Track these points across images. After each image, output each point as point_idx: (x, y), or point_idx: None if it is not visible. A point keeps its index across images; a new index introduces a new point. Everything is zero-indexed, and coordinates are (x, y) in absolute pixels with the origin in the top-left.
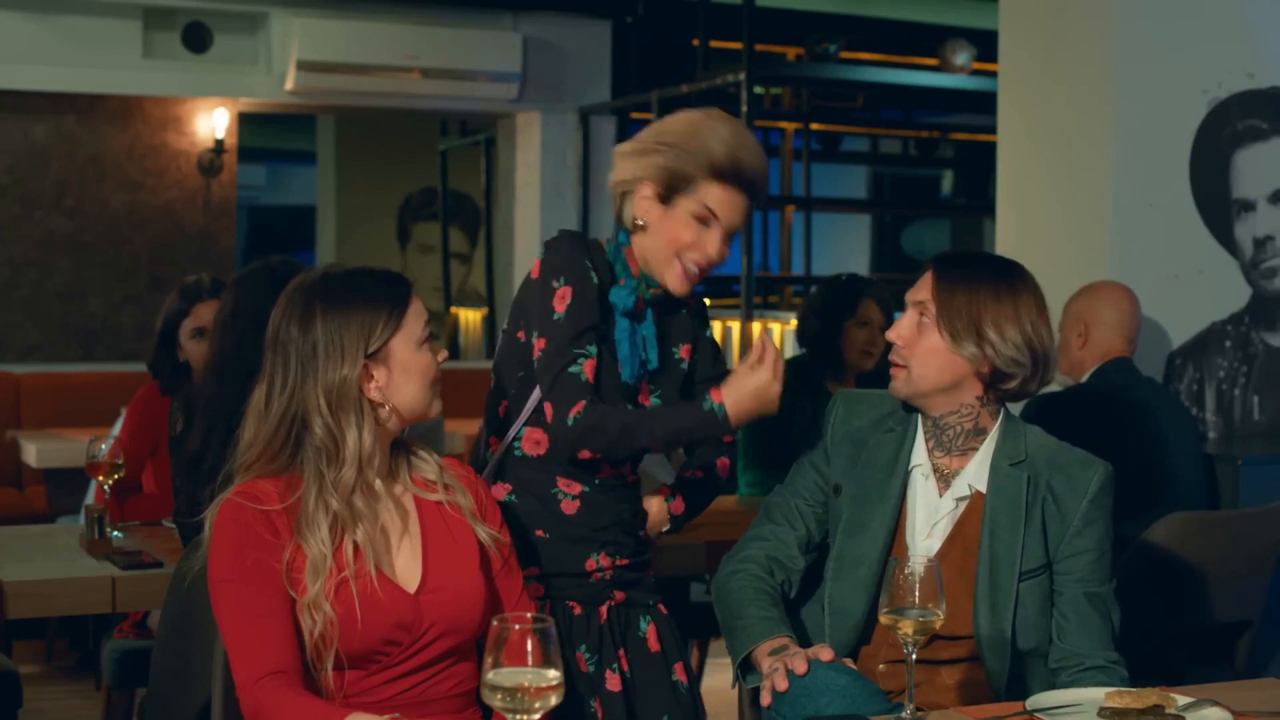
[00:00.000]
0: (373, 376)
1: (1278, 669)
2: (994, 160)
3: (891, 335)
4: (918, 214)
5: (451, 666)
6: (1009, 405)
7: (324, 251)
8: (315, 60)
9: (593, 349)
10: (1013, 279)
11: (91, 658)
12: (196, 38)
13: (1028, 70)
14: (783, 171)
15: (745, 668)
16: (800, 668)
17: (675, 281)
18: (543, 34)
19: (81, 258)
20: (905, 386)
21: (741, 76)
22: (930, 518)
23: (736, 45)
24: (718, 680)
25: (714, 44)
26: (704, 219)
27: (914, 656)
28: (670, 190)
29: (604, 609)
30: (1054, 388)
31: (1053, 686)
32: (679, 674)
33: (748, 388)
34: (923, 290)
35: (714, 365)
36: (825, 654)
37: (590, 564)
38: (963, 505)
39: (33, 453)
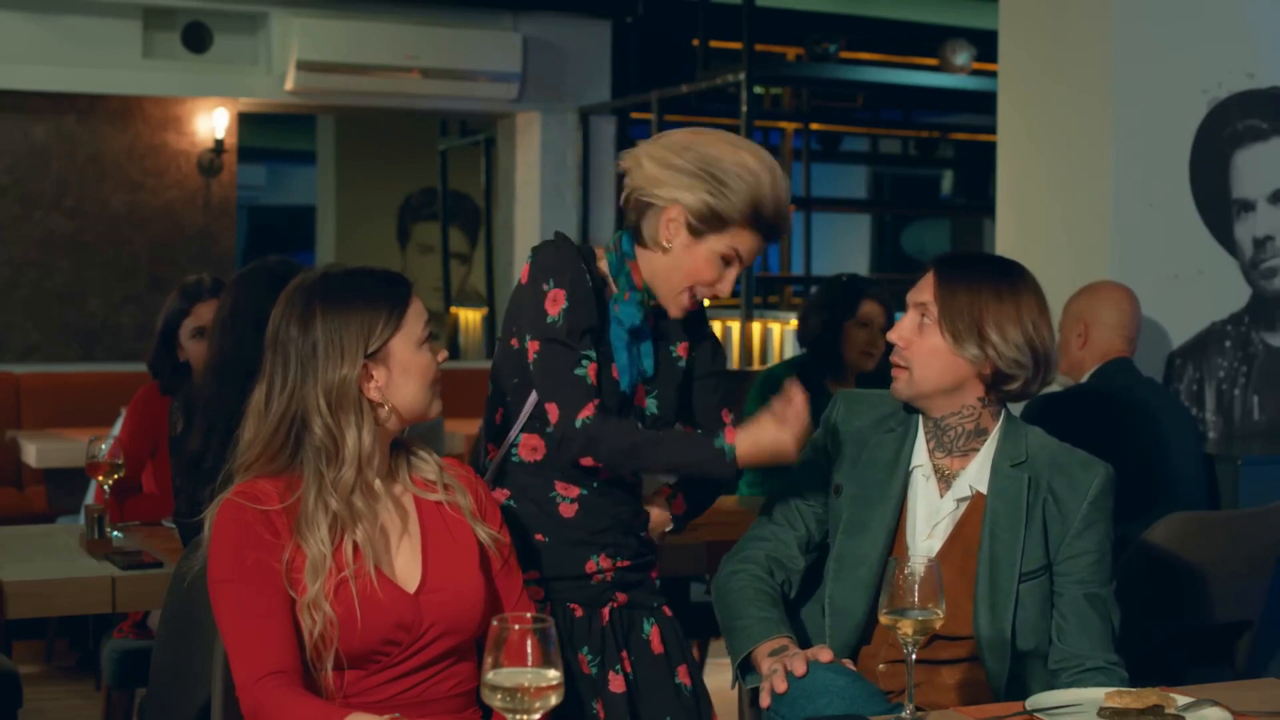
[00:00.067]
0: (372, 376)
1: (1278, 669)
2: (994, 160)
3: (893, 336)
4: (918, 214)
5: (451, 666)
6: (1009, 405)
7: (324, 251)
8: (315, 60)
9: (592, 352)
10: (1014, 279)
11: (91, 658)
12: (196, 38)
13: (1028, 70)
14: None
15: (745, 668)
16: (799, 669)
17: (676, 309)
18: (543, 34)
19: (81, 258)
20: (907, 388)
21: (741, 76)
22: (931, 518)
23: (736, 45)
24: (717, 680)
25: (714, 44)
26: (728, 259)
27: (914, 656)
28: (704, 226)
29: (606, 611)
30: (1054, 388)
31: (1052, 687)
32: (682, 676)
33: (765, 443)
34: (924, 291)
35: (713, 362)
36: (824, 655)
37: (590, 566)
38: (963, 506)
39: (33, 453)
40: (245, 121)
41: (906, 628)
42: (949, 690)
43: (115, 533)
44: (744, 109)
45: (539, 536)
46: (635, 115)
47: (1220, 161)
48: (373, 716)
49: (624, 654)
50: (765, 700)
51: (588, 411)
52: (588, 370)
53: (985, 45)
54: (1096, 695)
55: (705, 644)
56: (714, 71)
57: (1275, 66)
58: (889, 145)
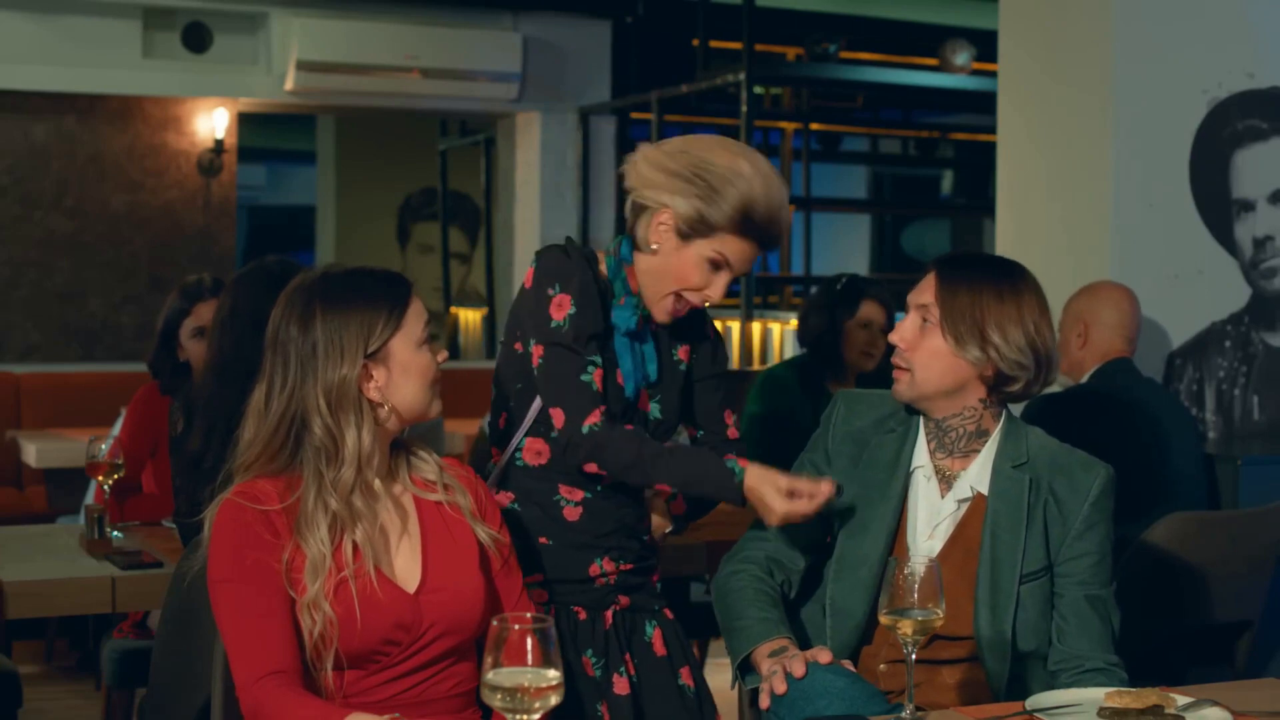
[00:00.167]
0: (372, 376)
1: (1278, 669)
2: (994, 160)
3: (894, 338)
4: (918, 214)
5: (451, 666)
6: (1010, 406)
7: (324, 251)
8: (315, 60)
9: (598, 358)
10: (1014, 280)
11: (91, 658)
12: (196, 38)
13: (1028, 70)
14: (783, 171)
15: (745, 669)
16: (799, 670)
17: (662, 314)
18: (543, 34)
19: (81, 258)
20: (909, 390)
21: (741, 76)
22: (932, 519)
23: (736, 45)
24: (717, 681)
25: (714, 44)
26: (717, 264)
27: (914, 657)
28: (691, 230)
29: (609, 614)
30: (1054, 388)
31: (1052, 688)
32: (685, 678)
33: (767, 493)
34: (925, 293)
35: (714, 363)
36: (824, 656)
37: (594, 569)
38: (964, 507)
39: (33, 453)
40: (245, 121)
41: (906, 628)
42: (949, 690)
43: (115, 533)
44: (744, 109)
45: (543, 540)
46: (635, 115)
47: (1220, 161)
48: (373, 716)
49: (627, 656)
50: (765, 702)
51: (594, 418)
52: (593, 376)
53: (985, 45)
54: (1096, 695)
55: (705, 644)
56: (714, 71)
57: (1275, 66)
58: (889, 145)
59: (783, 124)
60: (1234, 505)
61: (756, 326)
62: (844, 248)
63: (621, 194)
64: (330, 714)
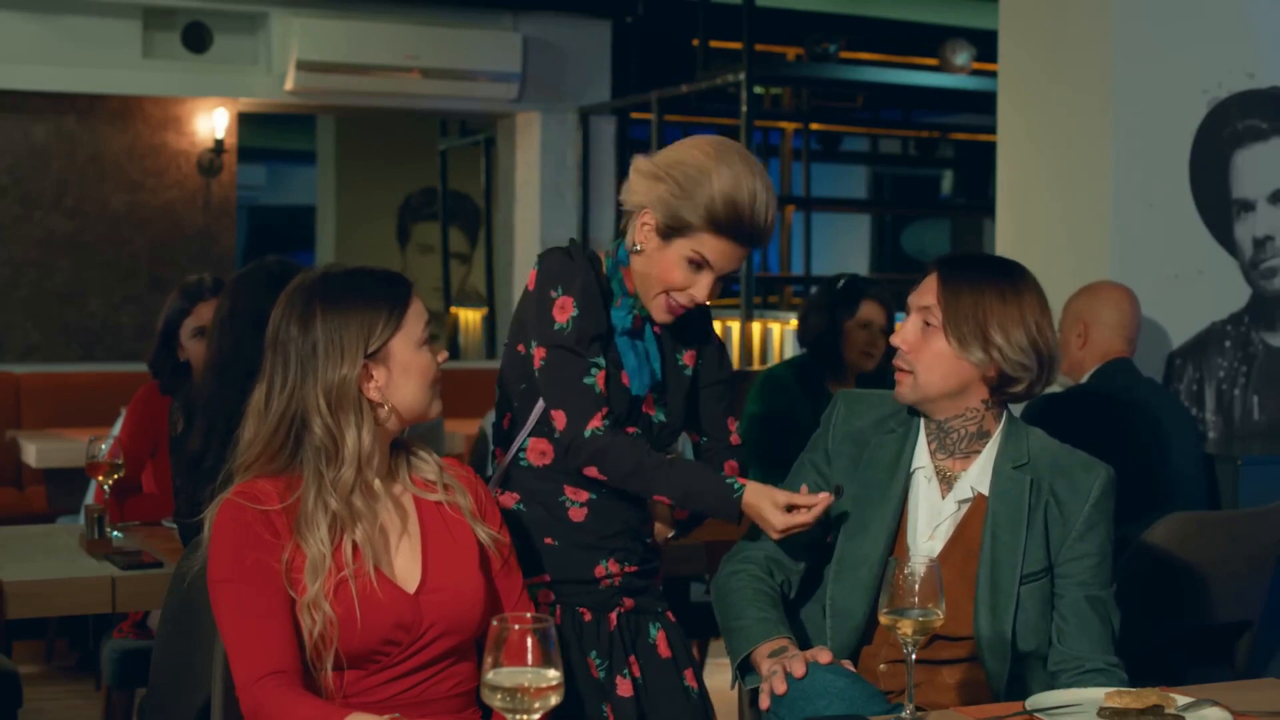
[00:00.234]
0: (372, 376)
1: (1278, 669)
2: (994, 160)
3: (896, 340)
4: (918, 214)
5: (451, 666)
6: (1010, 406)
7: (324, 251)
8: (315, 60)
9: (601, 359)
10: (1015, 280)
11: (91, 658)
12: (196, 38)
13: (1028, 70)
14: (783, 171)
15: (744, 669)
16: (798, 670)
17: (659, 313)
18: (543, 34)
19: (81, 258)
20: (912, 392)
21: (741, 76)
22: (932, 520)
23: (736, 45)
24: (717, 681)
25: (714, 44)
26: (697, 263)
27: (914, 657)
28: (669, 230)
29: (613, 615)
30: (1054, 388)
31: (1052, 688)
32: (689, 680)
33: (767, 513)
34: (927, 295)
35: (719, 370)
36: (824, 656)
37: (600, 570)
38: (965, 508)
39: (33, 453)
40: (245, 121)
41: (906, 628)
42: (949, 690)
43: (115, 533)
44: (744, 109)
45: (549, 540)
46: (635, 115)
47: (1220, 161)
48: (373, 716)
49: (631, 658)
50: (765, 702)
51: (596, 422)
52: (596, 379)
53: (985, 45)
54: (1096, 695)
55: (705, 644)
56: (714, 71)
57: (1275, 66)
58: (889, 145)
59: (783, 124)
60: (1234, 505)
61: (756, 326)
62: (844, 248)
63: None
64: (330, 714)
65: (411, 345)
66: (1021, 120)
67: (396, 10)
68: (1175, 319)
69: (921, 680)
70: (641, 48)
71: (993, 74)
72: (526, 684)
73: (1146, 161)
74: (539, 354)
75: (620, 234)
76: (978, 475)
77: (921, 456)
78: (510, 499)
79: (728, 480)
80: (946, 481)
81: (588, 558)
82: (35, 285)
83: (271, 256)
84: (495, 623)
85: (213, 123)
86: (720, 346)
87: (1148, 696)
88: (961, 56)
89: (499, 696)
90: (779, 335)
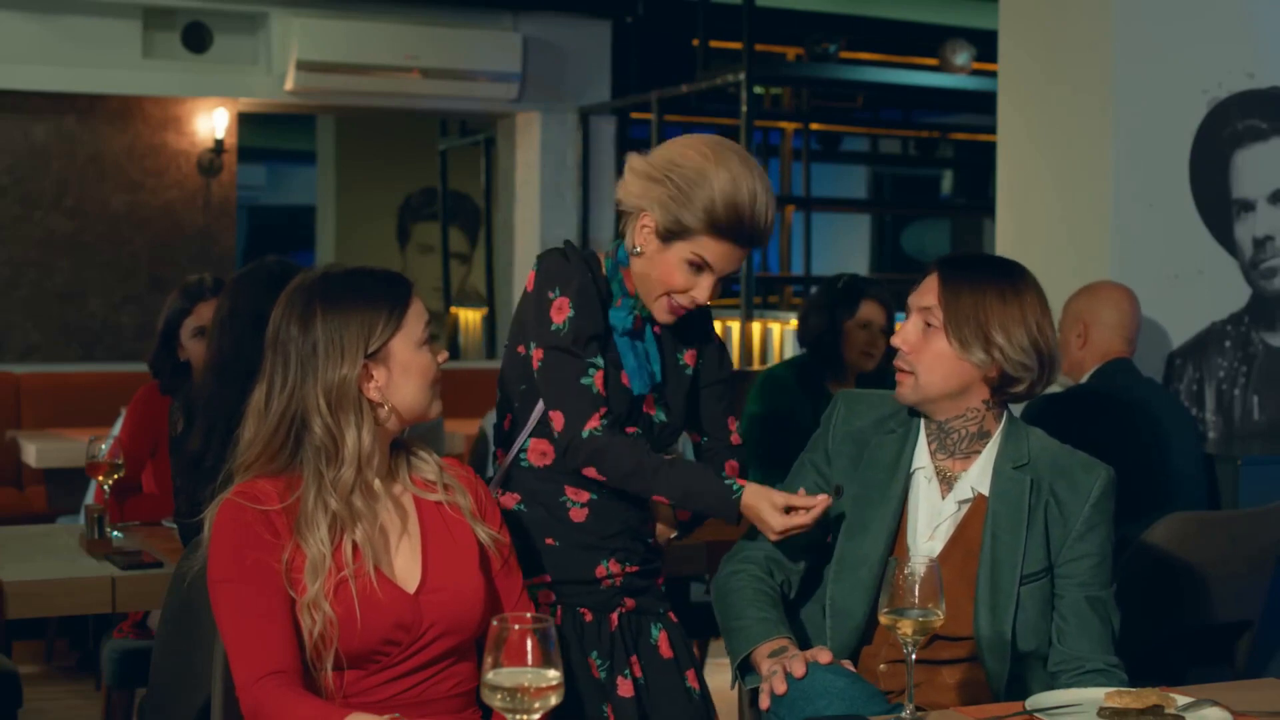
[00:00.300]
0: (372, 376)
1: (1278, 669)
2: (994, 160)
3: (897, 341)
4: (918, 214)
5: (451, 666)
6: (1010, 406)
7: (324, 251)
8: (315, 60)
9: (599, 359)
10: (1016, 280)
11: (91, 658)
12: (196, 38)
13: (1028, 70)
14: (783, 171)
15: (744, 669)
16: (798, 670)
17: (661, 314)
18: (543, 34)
19: (81, 258)
20: (913, 393)
21: (741, 76)
22: (932, 520)
23: (736, 45)
24: (717, 681)
25: (714, 44)
26: (698, 265)
27: (914, 657)
28: (669, 233)
29: (615, 616)
30: (1054, 388)
31: (1052, 689)
32: (691, 681)
33: (765, 514)
34: (928, 295)
35: (719, 370)
36: (824, 656)
37: (600, 571)
38: (965, 508)
39: (33, 453)
40: (245, 121)
41: (906, 628)
42: (949, 690)
43: (115, 533)
44: (744, 109)
45: (549, 540)
46: (635, 115)
47: (1220, 161)
48: (373, 716)
49: (633, 659)
50: (765, 702)
51: (594, 422)
52: (594, 379)
53: (985, 45)
54: (1096, 695)
55: (705, 644)
56: (714, 71)
57: (1275, 66)
58: (889, 145)
59: (783, 124)
60: (1234, 505)
61: (756, 326)
62: (844, 248)
63: None
64: (330, 714)
65: (412, 345)
66: (1021, 120)
67: (396, 10)
68: (1175, 319)
69: (921, 680)
70: (641, 48)
71: (993, 74)
72: (526, 684)
73: (1146, 161)
74: (537, 355)
75: (620, 235)
76: (978, 475)
77: (922, 457)
78: (511, 499)
79: (726, 481)
80: (947, 482)
81: (588, 558)
82: (35, 285)
83: (271, 256)
84: (495, 623)
85: (213, 123)
86: (720, 346)
87: (1148, 696)
88: (961, 56)
89: (499, 696)
90: (779, 335)
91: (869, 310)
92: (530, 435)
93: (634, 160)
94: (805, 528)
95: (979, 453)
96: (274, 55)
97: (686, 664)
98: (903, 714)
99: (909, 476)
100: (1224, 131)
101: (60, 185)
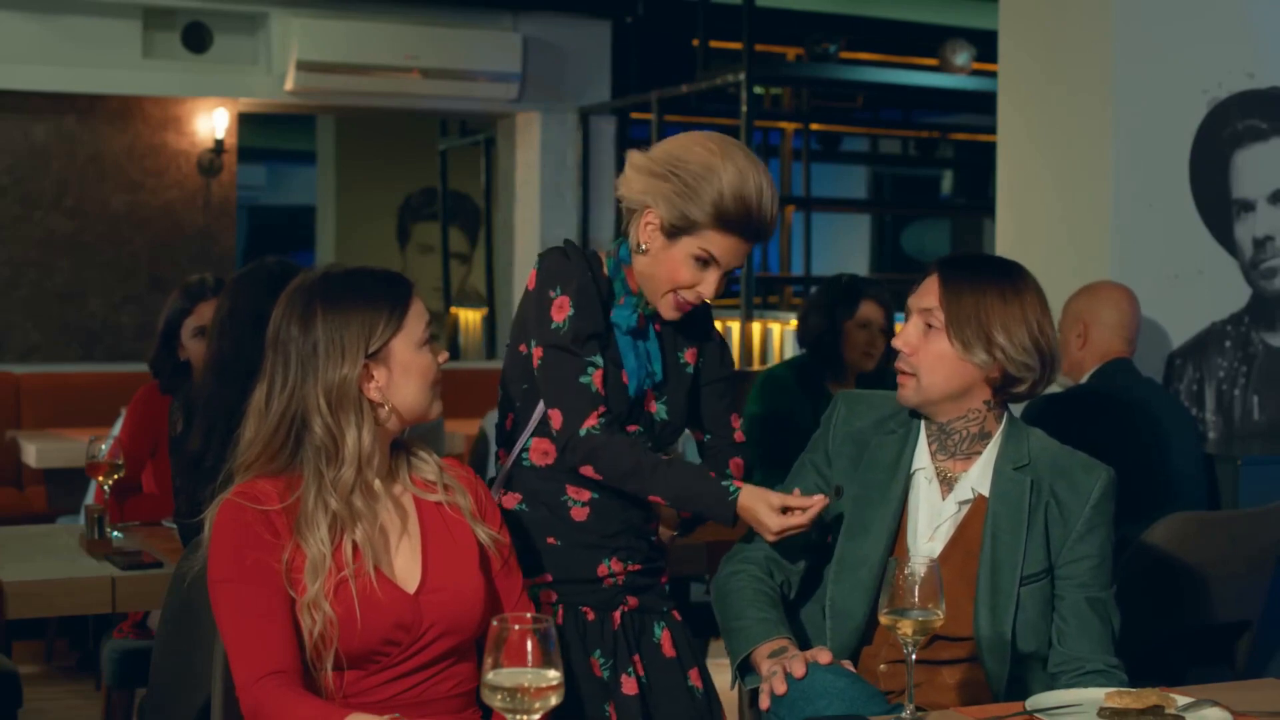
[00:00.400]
0: (373, 377)
1: (1278, 669)
2: (994, 160)
3: (898, 343)
4: (918, 214)
5: (451, 667)
6: (1010, 406)
7: (324, 252)
8: (315, 60)
9: (599, 358)
10: (1016, 280)
11: (91, 658)
12: (196, 38)
13: (1028, 70)
14: (783, 171)
15: (744, 669)
16: (798, 670)
17: (667, 311)
18: (543, 34)
19: (81, 258)
20: (915, 395)
21: (741, 76)
22: (932, 521)
23: (736, 45)
24: (717, 681)
25: (714, 44)
26: (704, 260)
27: (914, 657)
28: (675, 228)
29: (617, 615)
30: (1054, 388)
31: (1052, 689)
32: (694, 679)
33: (762, 515)
34: (928, 297)
35: (720, 367)
36: (824, 656)
37: (602, 569)
38: (965, 509)
39: (33, 453)
40: (245, 121)
41: (906, 628)
42: (949, 690)
43: (115, 533)
44: (744, 109)
45: (551, 540)
46: (635, 115)
47: (1220, 161)
48: (373, 716)
49: (636, 657)
50: (765, 702)
51: (592, 421)
52: (593, 377)
53: (985, 45)
54: (1096, 695)
55: (705, 644)
56: (714, 71)
57: (1275, 66)
58: (889, 145)
59: (783, 124)
60: (1234, 505)
61: (756, 326)
62: (844, 248)
63: None
64: (330, 714)
65: (412, 345)
66: (1021, 120)
67: (396, 10)
68: (1175, 319)
69: (921, 680)
70: (641, 48)
71: (993, 74)
72: (526, 684)
73: (1146, 161)
74: (537, 353)
75: (622, 234)
76: (978, 476)
77: (922, 457)
78: (513, 499)
79: (724, 482)
80: (947, 482)
81: (590, 557)
82: (35, 285)
83: (271, 257)
84: (495, 623)
85: (213, 123)
86: (721, 344)
87: (1148, 697)
88: (961, 56)
89: (499, 697)
90: (779, 335)
91: (868, 310)
92: (532, 435)
93: (635, 157)
94: (802, 528)
95: (979, 453)
96: (274, 55)
97: (689, 663)
98: (903, 714)
99: (909, 477)
100: (1224, 131)
101: (60, 185)
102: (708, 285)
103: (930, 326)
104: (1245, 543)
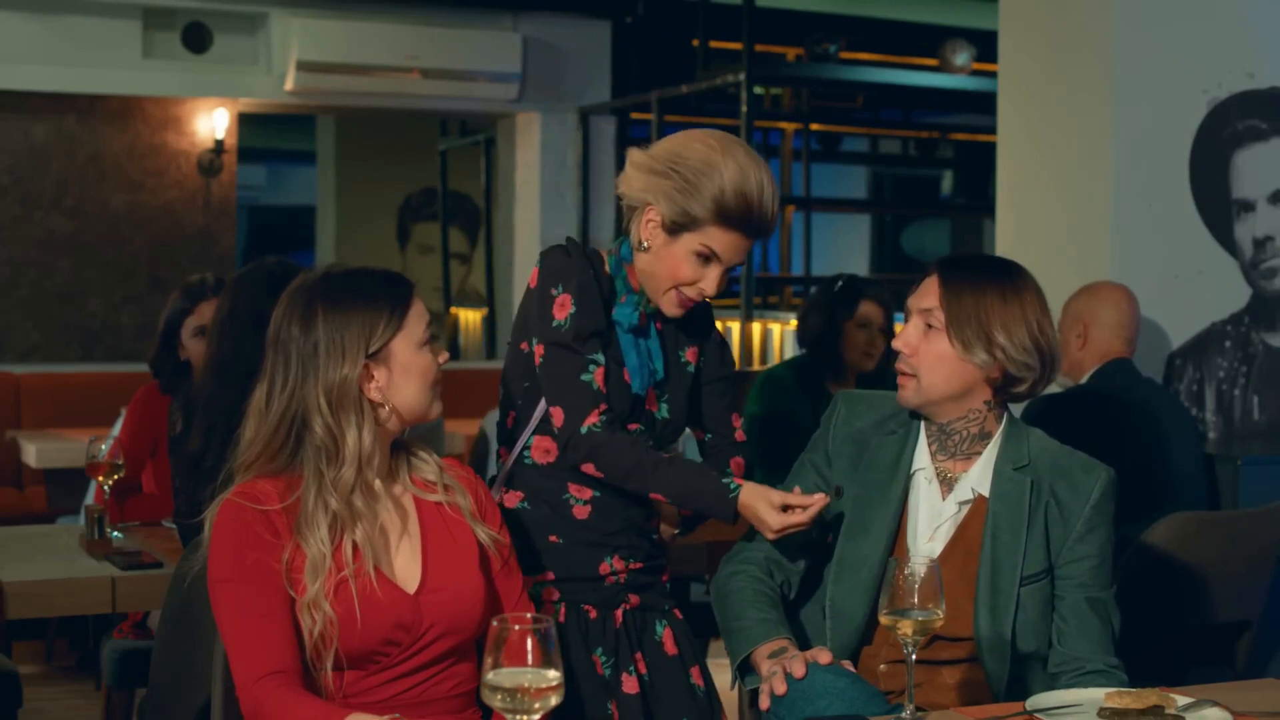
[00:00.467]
0: (373, 377)
1: (1278, 669)
2: (994, 160)
3: (898, 345)
4: (918, 214)
5: (451, 667)
6: (1010, 406)
7: (324, 251)
8: (315, 60)
9: (600, 356)
10: (1015, 280)
11: (91, 658)
12: (196, 38)
13: (1028, 70)
14: (783, 171)
15: (744, 669)
16: (798, 671)
17: (669, 308)
18: (543, 34)
19: (81, 258)
20: (915, 396)
21: (741, 76)
22: (932, 521)
23: (736, 45)
24: (717, 681)
25: (714, 44)
26: (706, 256)
27: (914, 657)
28: (676, 225)
29: (619, 613)
30: (1054, 389)
31: (1052, 689)
32: (696, 677)
33: (763, 513)
34: (928, 297)
35: (721, 366)
36: (824, 656)
37: (604, 568)
38: (965, 509)
39: (33, 453)
40: (245, 121)
41: (906, 628)
42: (949, 690)
43: (115, 533)
44: (744, 109)
45: (553, 538)
46: (635, 115)
47: (1220, 162)
48: (373, 717)
49: (637, 655)
50: (765, 703)
51: (593, 419)
52: (594, 375)
53: (985, 45)
54: (1096, 695)
55: (705, 644)
56: (714, 71)
57: (1275, 66)
58: (889, 145)
59: (783, 124)
60: (1234, 505)
61: (756, 327)
62: (844, 248)
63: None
64: (330, 714)
65: (412, 346)
66: (1021, 120)
67: (396, 10)
68: (1175, 319)
69: (921, 680)
70: (641, 48)
71: (993, 74)
72: (526, 684)
73: (1146, 161)
74: (539, 351)
75: (623, 232)
76: (978, 476)
77: (922, 458)
78: (515, 497)
79: (724, 480)
80: (947, 483)
81: (592, 555)
82: (35, 285)
83: (271, 257)
84: (495, 623)
85: (213, 123)
86: (722, 342)
87: (1148, 697)
88: (961, 56)
89: (499, 697)
90: (779, 335)
91: (868, 310)
92: (534, 433)
93: (635, 154)
94: (803, 526)
95: (979, 454)
96: (274, 55)
97: (691, 661)
98: (903, 714)
99: (909, 477)
100: (1224, 131)
101: (60, 185)
102: (709, 281)
103: (930, 327)
104: (1245, 543)
